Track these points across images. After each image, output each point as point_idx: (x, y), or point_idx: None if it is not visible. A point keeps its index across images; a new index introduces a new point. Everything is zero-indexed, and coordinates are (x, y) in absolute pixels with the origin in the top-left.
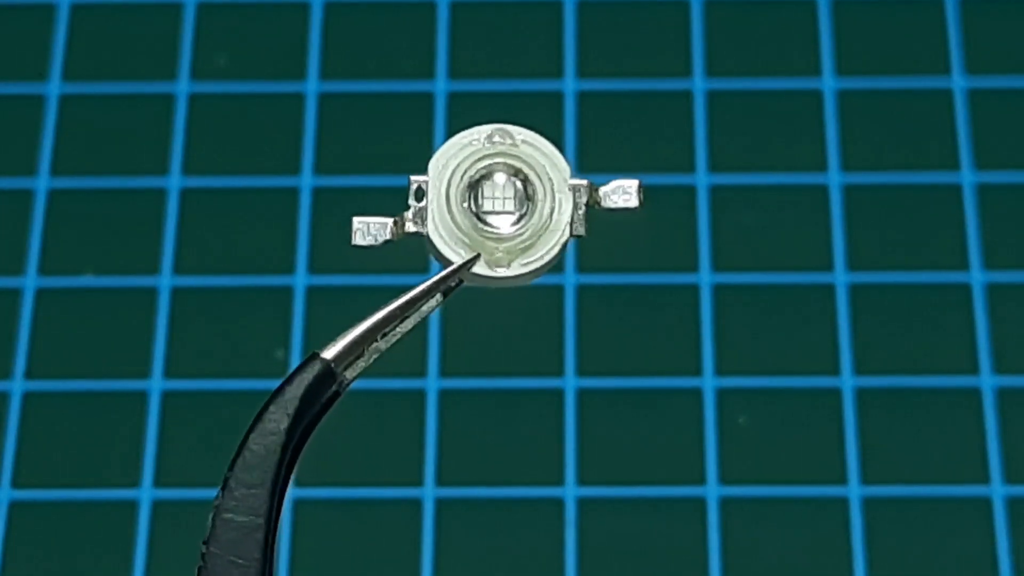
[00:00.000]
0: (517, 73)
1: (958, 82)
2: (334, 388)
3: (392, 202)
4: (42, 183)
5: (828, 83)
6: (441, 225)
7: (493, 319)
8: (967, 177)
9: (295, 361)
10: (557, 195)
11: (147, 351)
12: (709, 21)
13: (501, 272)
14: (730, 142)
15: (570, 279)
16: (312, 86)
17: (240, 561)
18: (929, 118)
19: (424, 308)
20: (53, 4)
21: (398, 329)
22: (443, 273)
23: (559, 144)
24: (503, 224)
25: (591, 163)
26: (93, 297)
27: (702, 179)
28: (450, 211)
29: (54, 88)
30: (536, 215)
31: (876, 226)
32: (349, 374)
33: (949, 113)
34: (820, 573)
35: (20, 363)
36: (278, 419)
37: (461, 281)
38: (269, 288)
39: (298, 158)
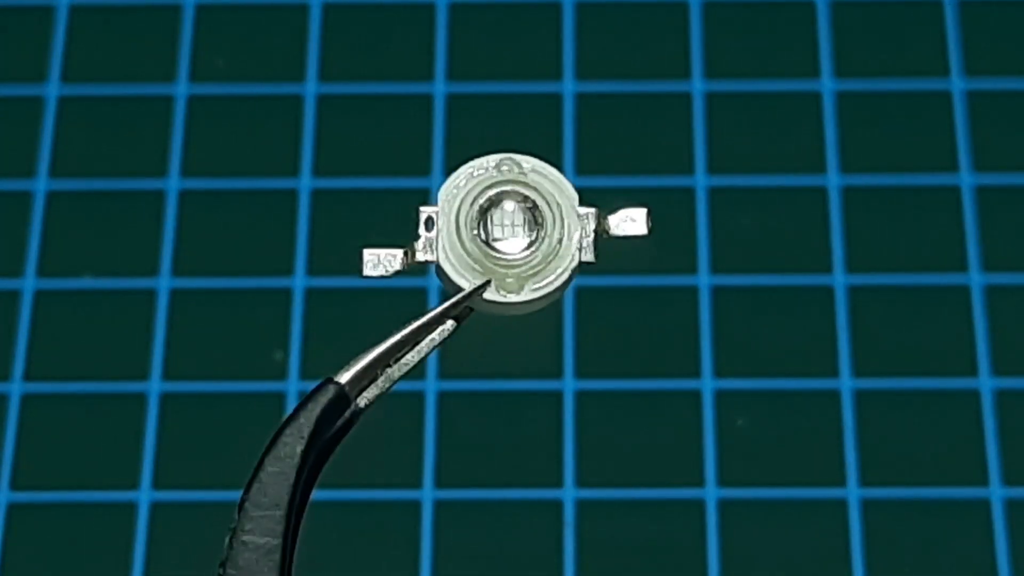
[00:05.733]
0: (516, 75)
1: (957, 84)
2: (348, 414)
3: (392, 204)
4: (41, 185)
5: (827, 85)
6: (451, 253)
7: (491, 321)
8: (966, 179)
9: (294, 363)
10: (566, 221)
11: (146, 353)
12: (708, 23)
13: (512, 298)
14: (729, 144)
15: None
16: (311, 88)
17: None
18: (928, 120)
19: (436, 336)
20: (52, 5)
21: (410, 357)
22: (454, 299)
23: (558, 146)
24: (513, 250)
25: (590, 165)
26: (92, 299)
27: (701, 181)
28: (460, 239)
29: (53, 90)
30: (546, 241)
31: (875, 228)
32: (363, 402)
33: (948, 115)
34: (819, 575)
35: (19, 365)
36: (292, 443)
37: (471, 309)
38: (268, 290)
39: (297, 160)
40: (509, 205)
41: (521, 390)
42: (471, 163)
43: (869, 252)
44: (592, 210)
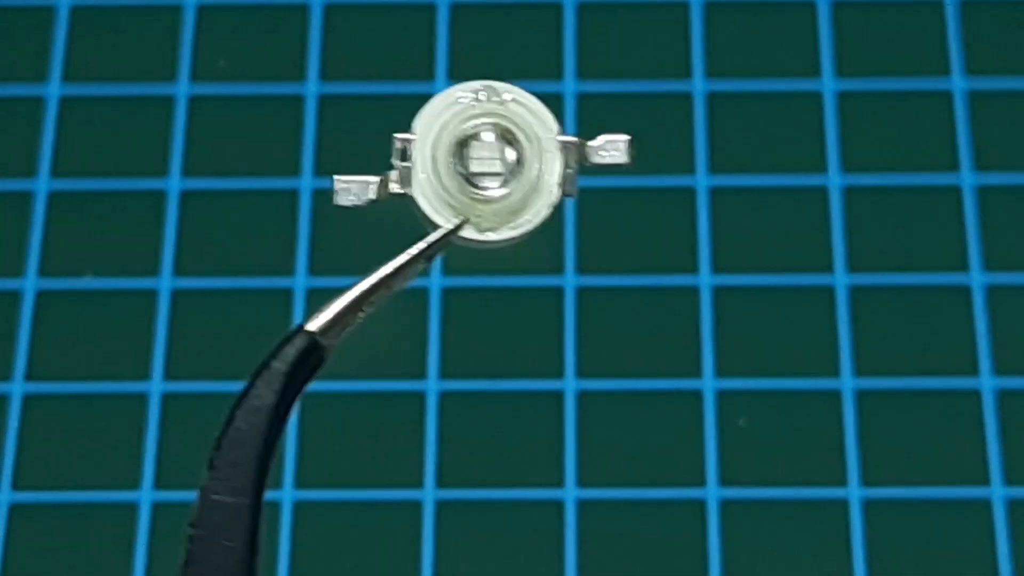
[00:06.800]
0: (517, 74)
1: (958, 83)
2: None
3: (392, 203)
4: (42, 185)
5: (828, 84)
6: (427, 186)
7: (493, 320)
8: (967, 178)
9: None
10: (545, 155)
11: (147, 353)
12: (709, 22)
13: (490, 236)
14: (730, 143)
15: (570, 280)
16: (312, 88)
17: (228, 543)
18: (929, 119)
19: (408, 274)
20: (53, 5)
21: (381, 298)
22: (429, 240)
23: None
24: (491, 186)
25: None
26: (93, 299)
27: (702, 180)
28: (436, 172)
29: (54, 90)
30: (524, 176)
31: (876, 228)
32: (334, 340)
33: (949, 114)
34: (820, 575)
35: (20, 365)
36: (264, 395)
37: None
38: (269, 290)
39: (298, 160)
40: (488, 138)
41: (522, 390)
42: (448, 90)
43: (870, 252)
44: (573, 139)
